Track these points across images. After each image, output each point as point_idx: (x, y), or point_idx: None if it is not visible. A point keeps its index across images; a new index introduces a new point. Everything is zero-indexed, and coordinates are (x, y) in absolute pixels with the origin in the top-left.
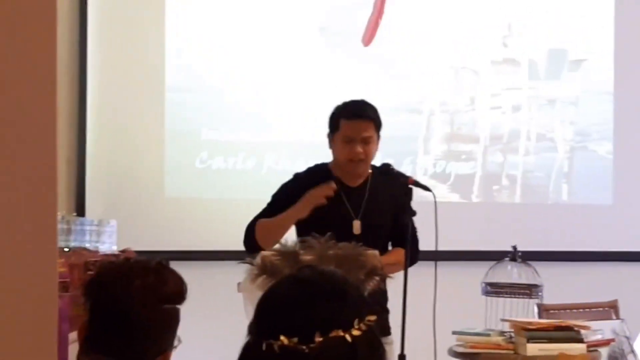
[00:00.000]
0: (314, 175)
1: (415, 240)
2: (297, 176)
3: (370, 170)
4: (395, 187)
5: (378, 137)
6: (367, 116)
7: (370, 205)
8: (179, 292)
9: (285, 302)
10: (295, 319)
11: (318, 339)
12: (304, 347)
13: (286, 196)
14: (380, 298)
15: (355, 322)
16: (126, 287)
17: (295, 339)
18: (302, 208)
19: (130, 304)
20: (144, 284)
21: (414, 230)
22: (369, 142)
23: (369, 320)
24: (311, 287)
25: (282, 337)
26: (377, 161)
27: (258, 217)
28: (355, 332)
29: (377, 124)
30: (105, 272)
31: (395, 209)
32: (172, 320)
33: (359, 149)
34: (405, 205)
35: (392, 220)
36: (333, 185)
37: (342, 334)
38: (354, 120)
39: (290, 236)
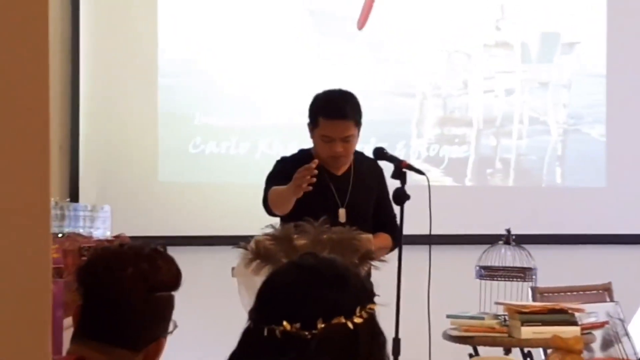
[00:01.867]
0: (299, 162)
1: (396, 225)
2: (283, 160)
3: (353, 156)
4: (376, 172)
5: (359, 130)
6: (346, 116)
7: (355, 192)
8: (172, 279)
9: (288, 288)
10: (298, 305)
11: (320, 325)
12: (307, 333)
13: (276, 179)
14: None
15: (357, 309)
16: (118, 274)
17: (298, 325)
18: (293, 189)
19: (122, 291)
20: (137, 271)
21: (394, 215)
22: (349, 141)
23: (370, 308)
24: (314, 274)
25: (284, 323)
26: (371, 145)
27: (266, 195)
28: (357, 320)
29: (357, 121)
30: (98, 258)
31: (378, 193)
32: (166, 308)
33: (339, 148)
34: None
35: (375, 205)
36: (312, 165)
37: (344, 320)
38: (333, 120)
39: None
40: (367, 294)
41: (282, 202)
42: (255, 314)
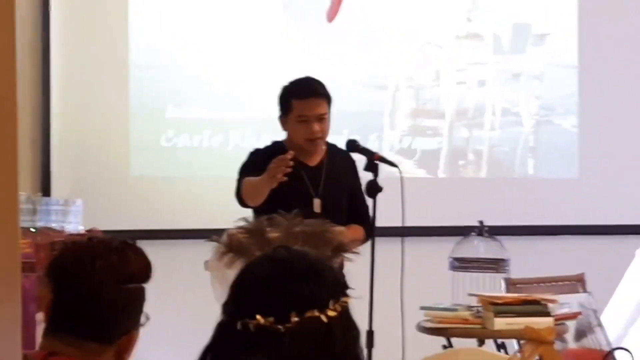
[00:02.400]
0: (272, 155)
1: (368, 217)
2: (256, 152)
3: (325, 148)
4: (349, 164)
5: (329, 111)
6: (320, 93)
7: (329, 183)
8: (143, 271)
9: (261, 281)
10: (271, 299)
11: (294, 318)
12: (280, 326)
13: (250, 170)
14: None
15: (331, 302)
16: (88, 267)
17: (272, 319)
18: (268, 179)
19: (92, 285)
20: (106, 264)
21: (367, 207)
22: (324, 119)
23: (343, 301)
24: (287, 267)
25: (258, 317)
26: (343, 137)
27: (239, 186)
28: (331, 313)
29: (328, 101)
30: (67, 252)
31: (350, 184)
32: (137, 300)
33: (316, 127)
34: (371, 181)
35: (348, 196)
36: (288, 155)
37: (317, 314)
38: (307, 98)
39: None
40: (340, 287)
41: (256, 193)
42: (229, 307)
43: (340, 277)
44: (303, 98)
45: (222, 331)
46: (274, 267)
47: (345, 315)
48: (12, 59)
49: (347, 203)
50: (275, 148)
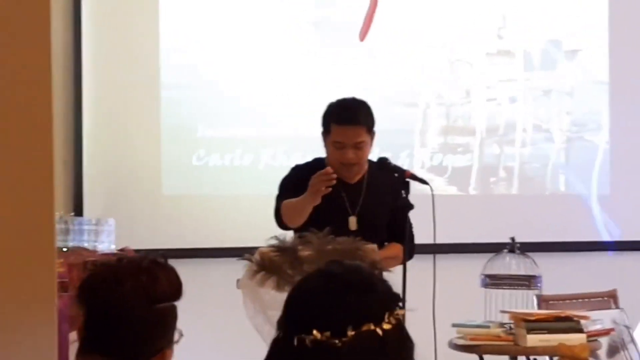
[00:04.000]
0: (312, 170)
1: (411, 236)
2: (296, 168)
3: (367, 165)
4: (392, 182)
5: (372, 137)
6: (358, 122)
7: (367, 201)
8: (173, 290)
9: (316, 296)
10: (327, 313)
11: (350, 332)
12: (337, 341)
13: (291, 186)
14: None
15: (386, 315)
16: (117, 289)
17: (328, 333)
18: (310, 196)
19: (122, 306)
20: (136, 284)
21: (410, 225)
22: (361, 148)
23: (397, 314)
24: (341, 281)
25: (314, 332)
26: (374, 155)
27: (279, 206)
28: (386, 326)
29: (369, 127)
30: (96, 274)
31: (393, 204)
32: (168, 319)
33: (351, 154)
34: (403, 199)
35: (390, 215)
36: (329, 169)
37: (373, 327)
38: (345, 126)
39: (289, 232)
40: (394, 300)
41: (297, 213)
42: (284, 323)
43: (393, 290)
44: (341, 124)
45: (278, 347)
46: (329, 282)
47: (399, 328)
48: (47, 85)
49: (387, 221)
50: (316, 164)
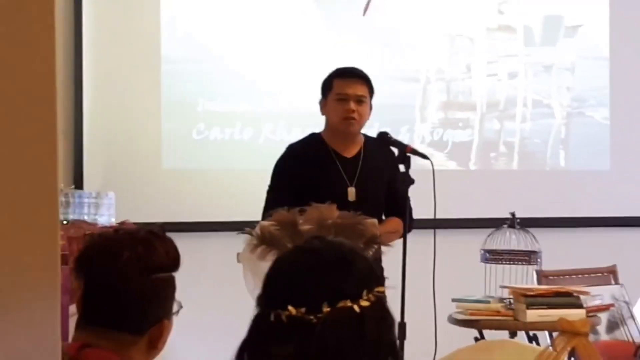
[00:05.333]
0: (308, 146)
1: (409, 210)
2: (290, 147)
3: (363, 139)
4: (388, 156)
5: (371, 104)
6: (361, 76)
7: (364, 173)
8: (170, 260)
9: (293, 272)
10: (302, 289)
11: (326, 309)
12: (312, 317)
13: (285, 173)
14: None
15: (364, 292)
16: (114, 259)
17: (303, 309)
18: None
19: (119, 276)
20: (132, 254)
21: (408, 199)
22: (363, 102)
23: (377, 291)
24: (319, 257)
25: (289, 307)
26: (374, 130)
27: (267, 208)
28: (364, 303)
29: (370, 88)
30: (93, 245)
31: (390, 177)
32: (166, 289)
33: (353, 106)
34: (404, 174)
35: (387, 188)
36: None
37: (350, 304)
38: (348, 78)
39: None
40: (374, 277)
41: None
42: (262, 299)
43: (374, 267)
44: (344, 77)
45: (257, 323)
46: (306, 258)
47: (379, 305)
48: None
49: (384, 195)
50: (312, 139)
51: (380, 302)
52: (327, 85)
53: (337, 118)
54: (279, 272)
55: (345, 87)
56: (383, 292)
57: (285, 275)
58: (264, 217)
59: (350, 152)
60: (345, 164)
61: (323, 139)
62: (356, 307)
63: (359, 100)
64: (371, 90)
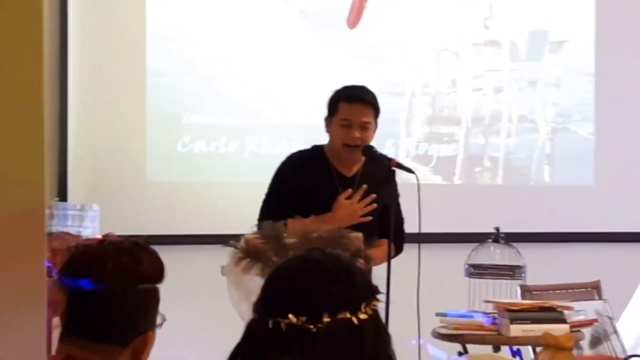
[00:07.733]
0: (309, 160)
1: (402, 231)
2: (292, 158)
3: (363, 159)
4: (385, 175)
5: (376, 125)
6: (367, 101)
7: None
8: (155, 271)
9: (295, 281)
10: (304, 299)
11: (326, 319)
12: (312, 326)
13: (284, 183)
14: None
15: (363, 305)
16: (99, 270)
17: (304, 318)
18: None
19: (104, 287)
20: (117, 265)
21: (401, 220)
22: (367, 129)
23: (374, 305)
24: (321, 267)
25: (290, 316)
26: None
27: (262, 217)
28: (362, 316)
29: (376, 111)
30: (78, 255)
31: (385, 197)
32: (150, 300)
33: (357, 134)
34: (391, 189)
35: (381, 208)
36: (349, 190)
37: (349, 316)
38: (354, 103)
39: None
40: (372, 291)
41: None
42: (261, 306)
43: (371, 281)
44: (350, 102)
45: (254, 330)
46: (308, 268)
47: (375, 319)
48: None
49: (378, 215)
50: (314, 153)
51: (376, 316)
52: (333, 107)
53: (339, 142)
54: (280, 280)
55: (350, 114)
56: (378, 306)
57: (286, 283)
58: (259, 225)
59: (350, 171)
60: (343, 183)
61: (325, 155)
62: (355, 320)
63: (364, 128)
64: (377, 113)
